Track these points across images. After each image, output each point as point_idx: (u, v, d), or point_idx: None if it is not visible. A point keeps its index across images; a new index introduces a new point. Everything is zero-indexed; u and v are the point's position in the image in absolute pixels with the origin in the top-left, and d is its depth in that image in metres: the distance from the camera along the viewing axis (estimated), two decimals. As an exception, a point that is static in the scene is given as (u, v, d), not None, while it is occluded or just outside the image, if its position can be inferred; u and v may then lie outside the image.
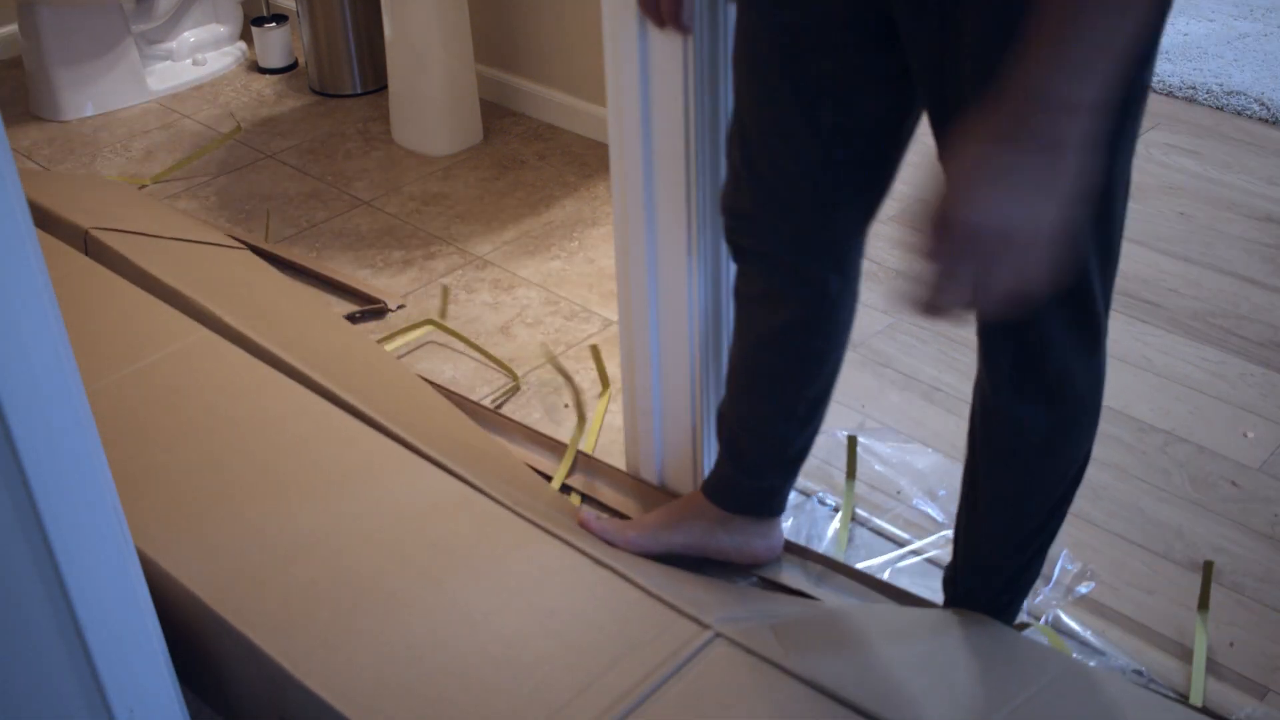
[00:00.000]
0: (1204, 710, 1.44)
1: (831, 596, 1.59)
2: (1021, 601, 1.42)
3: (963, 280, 0.79)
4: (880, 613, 1.48)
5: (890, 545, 1.70)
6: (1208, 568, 1.60)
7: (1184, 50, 3.19)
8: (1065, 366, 1.17)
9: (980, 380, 1.26)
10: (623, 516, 1.74)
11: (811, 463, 1.84)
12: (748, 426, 1.51)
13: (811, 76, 1.17)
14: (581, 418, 1.94)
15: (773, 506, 1.59)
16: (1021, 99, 0.75)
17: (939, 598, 1.54)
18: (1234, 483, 1.80)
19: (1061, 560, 1.65)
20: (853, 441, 1.84)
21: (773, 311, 1.39)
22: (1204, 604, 1.57)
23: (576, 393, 2.01)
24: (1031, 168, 0.74)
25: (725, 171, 1.35)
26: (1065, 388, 1.19)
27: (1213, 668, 1.51)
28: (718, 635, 1.22)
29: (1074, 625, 1.56)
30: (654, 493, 1.76)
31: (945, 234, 0.78)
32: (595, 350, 2.04)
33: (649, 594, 1.26)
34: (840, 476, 1.81)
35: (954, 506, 1.42)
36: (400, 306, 2.26)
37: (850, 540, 1.71)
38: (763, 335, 1.41)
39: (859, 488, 1.80)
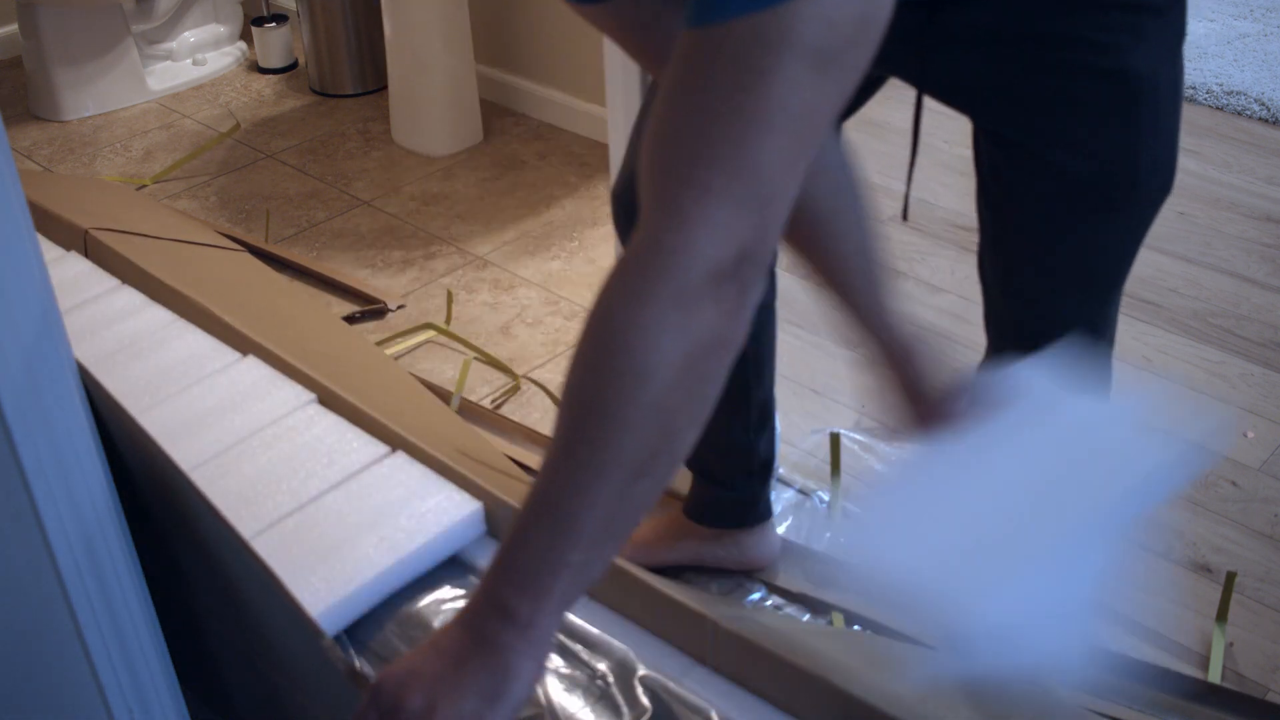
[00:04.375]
0: None
1: (834, 596, 1.60)
2: None
3: None
4: (866, 642, 1.49)
5: (890, 545, 1.70)
6: (1229, 578, 1.60)
7: (1184, 50, 3.19)
8: (1080, 337, 1.18)
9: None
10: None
11: (810, 462, 1.84)
12: (707, 443, 1.50)
13: None
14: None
15: (758, 514, 1.59)
16: (479, 592, 0.76)
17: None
18: (1234, 483, 1.80)
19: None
20: (835, 439, 1.83)
21: None
22: (1223, 615, 1.57)
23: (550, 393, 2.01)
24: (474, 660, 0.75)
25: (623, 164, 1.28)
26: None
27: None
28: (718, 628, 1.22)
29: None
30: (654, 493, 1.76)
31: (377, 693, 0.78)
32: None
33: (650, 586, 1.26)
34: (841, 475, 1.81)
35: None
36: (400, 307, 2.26)
37: (848, 538, 1.71)
38: None
39: (859, 487, 1.80)
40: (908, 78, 1.11)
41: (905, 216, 1.32)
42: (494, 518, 1.23)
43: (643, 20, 0.97)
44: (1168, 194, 1.11)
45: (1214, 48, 3.22)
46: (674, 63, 0.71)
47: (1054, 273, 1.13)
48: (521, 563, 0.74)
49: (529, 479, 1.70)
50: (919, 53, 1.07)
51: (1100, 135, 1.04)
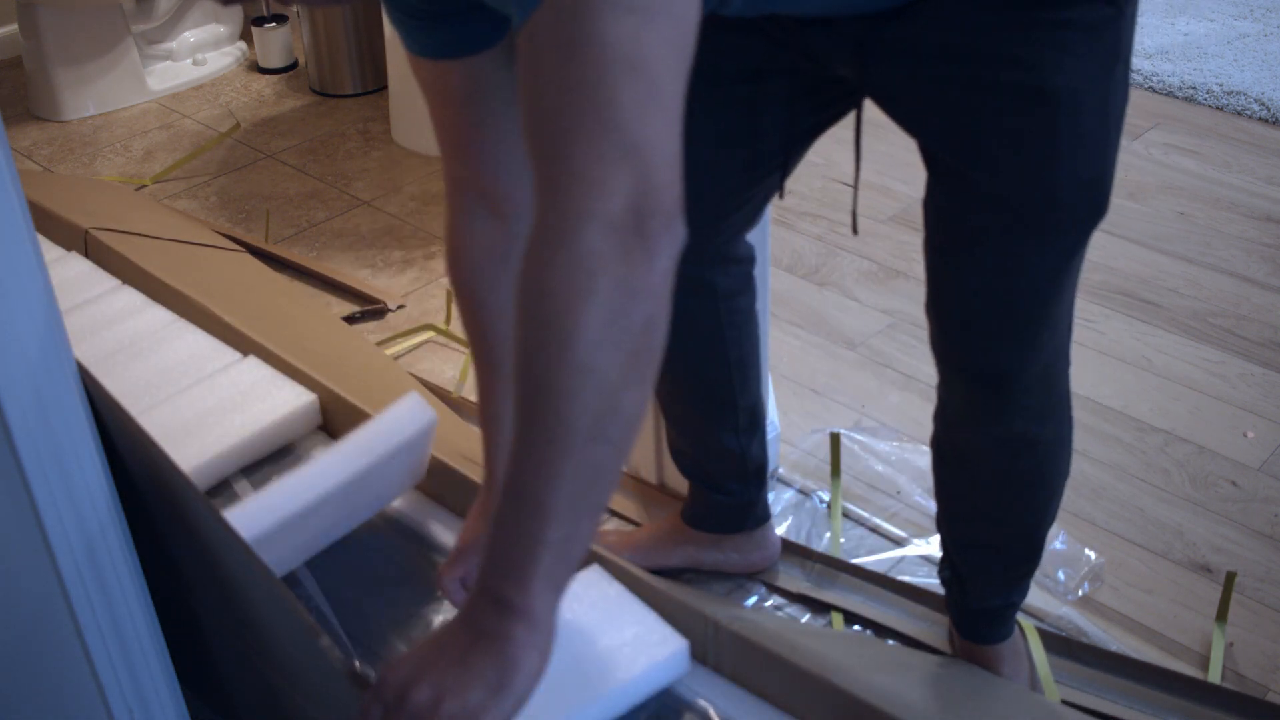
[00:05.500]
0: None
1: (834, 596, 1.60)
2: (1016, 592, 1.41)
3: None
4: (866, 643, 1.49)
5: (890, 544, 1.70)
6: (1229, 578, 1.60)
7: (1184, 50, 3.19)
8: (1007, 354, 1.18)
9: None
10: (621, 516, 1.74)
11: (810, 462, 1.84)
12: (699, 449, 1.51)
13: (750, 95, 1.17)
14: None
15: (756, 517, 1.59)
16: (474, 589, 0.78)
17: (940, 592, 1.54)
18: (1234, 483, 1.80)
19: (1069, 549, 1.65)
20: (835, 439, 1.83)
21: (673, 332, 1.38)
22: (1223, 615, 1.57)
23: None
24: (476, 652, 0.76)
25: None
26: (1012, 371, 1.19)
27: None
28: (719, 627, 1.22)
29: (1080, 624, 1.56)
30: (654, 492, 1.76)
31: (381, 688, 0.79)
32: None
33: (652, 587, 1.26)
34: (841, 476, 1.81)
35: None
36: (400, 306, 2.26)
37: (848, 538, 1.71)
38: (673, 355, 1.41)
39: (859, 487, 1.80)
40: (853, 81, 1.12)
41: (855, 230, 1.31)
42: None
43: (466, 93, 1.01)
44: (1100, 217, 1.08)
45: (1214, 48, 3.22)
46: (518, 73, 0.75)
47: (979, 297, 1.12)
48: (504, 550, 0.76)
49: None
50: (860, 60, 1.07)
51: (1018, 154, 1.02)
